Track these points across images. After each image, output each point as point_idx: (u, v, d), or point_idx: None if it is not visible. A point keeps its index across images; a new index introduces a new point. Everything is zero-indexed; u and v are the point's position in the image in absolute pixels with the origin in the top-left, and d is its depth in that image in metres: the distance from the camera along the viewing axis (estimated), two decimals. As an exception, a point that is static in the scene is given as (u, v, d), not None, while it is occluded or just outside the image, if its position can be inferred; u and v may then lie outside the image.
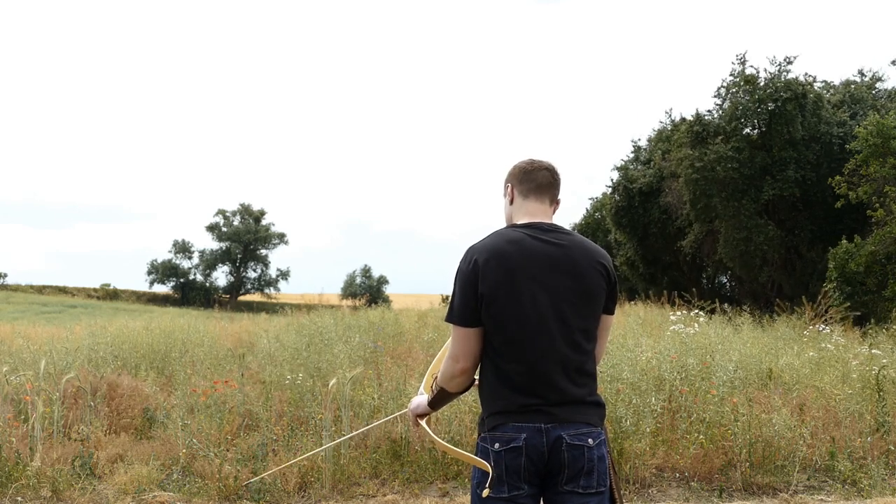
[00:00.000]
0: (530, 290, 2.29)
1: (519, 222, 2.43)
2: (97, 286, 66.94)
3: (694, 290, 13.83)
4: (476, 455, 2.36)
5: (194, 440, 5.53)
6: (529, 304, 2.29)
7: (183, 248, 71.59)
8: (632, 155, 29.20)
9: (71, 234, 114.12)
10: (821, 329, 9.88)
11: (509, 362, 2.30)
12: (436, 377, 2.53)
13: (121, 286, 67.98)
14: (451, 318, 2.37)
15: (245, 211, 73.68)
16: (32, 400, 5.79)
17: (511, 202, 2.50)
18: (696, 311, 10.30)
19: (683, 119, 22.99)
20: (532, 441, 2.26)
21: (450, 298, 2.41)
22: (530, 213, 2.44)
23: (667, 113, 31.71)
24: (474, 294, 2.31)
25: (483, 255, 2.31)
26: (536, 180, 2.47)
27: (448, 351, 2.42)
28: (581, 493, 2.28)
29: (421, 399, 2.68)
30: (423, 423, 2.69)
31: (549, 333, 2.29)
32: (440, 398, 2.57)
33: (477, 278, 2.30)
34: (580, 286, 2.33)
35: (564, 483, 2.28)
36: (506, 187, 2.55)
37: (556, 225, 2.42)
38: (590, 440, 2.29)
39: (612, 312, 2.44)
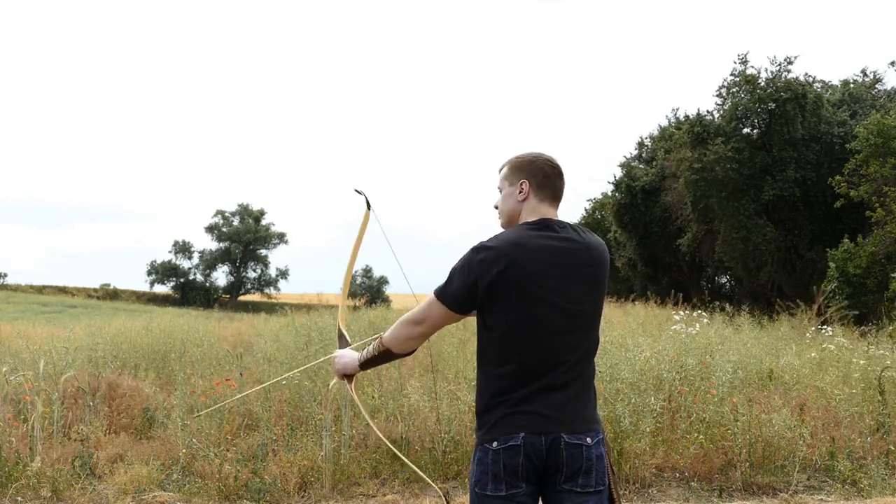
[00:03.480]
0: (536, 292, 2.28)
1: (530, 220, 2.40)
2: (97, 286, 66.97)
3: (694, 290, 13.83)
4: (474, 454, 2.36)
5: (194, 440, 5.53)
6: (533, 305, 2.28)
7: (183, 249, 71.59)
8: (636, 152, 29.24)
9: (71, 234, 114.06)
10: (821, 329, 9.87)
11: (509, 362, 2.30)
12: (380, 337, 2.49)
13: (121, 286, 68.04)
14: (441, 296, 2.36)
15: (244, 211, 73.68)
16: (32, 400, 5.78)
17: (524, 200, 2.42)
18: (699, 311, 10.30)
19: (687, 118, 23.02)
20: (530, 440, 2.26)
21: (448, 275, 2.38)
22: (541, 214, 2.41)
23: (673, 111, 31.80)
24: (475, 286, 2.30)
25: (495, 253, 2.29)
26: (555, 188, 2.44)
27: (411, 315, 2.41)
28: (579, 492, 2.28)
29: (351, 357, 2.61)
30: (351, 387, 2.64)
31: (551, 334, 2.29)
32: (378, 360, 2.53)
33: (484, 274, 2.28)
34: (586, 287, 2.33)
35: (563, 482, 2.28)
36: (517, 180, 2.44)
37: (563, 222, 2.39)
38: (588, 439, 2.29)
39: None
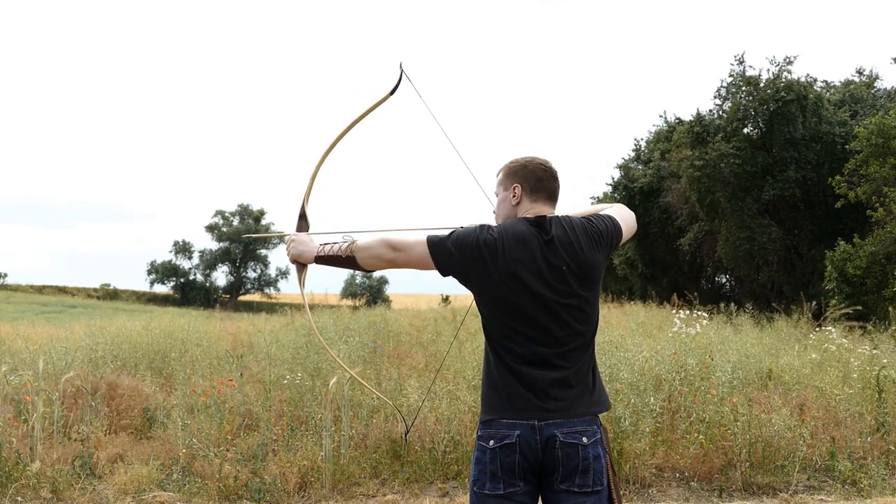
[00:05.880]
0: (525, 285, 2.31)
1: (528, 216, 2.42)
2: (97, 286, 67.02)
3: (694, 290, 13.84)
4: (474, 453, 2.37)
5: (194, 440, 5.53)
6: (521, 297, 2.31)
7: (183, 249, 71.54)
8: (633, 154, 29.24)
9: (71, 234, 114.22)
10: (821, 329, 9.86)
11: (506, 357, 2.33)
12: (352, 242, 2.46)
13: (121, 286, 68.12)
14: (432, 245, 2.36)
15: (244, 211, 73.63)
16: (32, 400, 5.78)
17: (517, 204, 2.46)
18: (698, 312, 10.28)
19: (680, 120, 23.06)
20: (525, 437, 2.27)
21: (449, 233, 2.39)
22: (536, 213, 2.43)
23: (661, 116, 31.75)
24: (464, 261, 2.33)
25: (495, 243, 2.32)
26: (548, 190, 2.46)
27: (395, 239, 2.41)
28: (577, 492, 2.29)
29: (308, 246, 2.55)
30: (301, 277, 2.60)
31: (538, 326, 2.31)
32: (339, 261, 2.49)
33: (478, 256, 2.32)
34: (574, 281, 2.34)
35: (560, 482, 2.29)
36: (510, 184, 2.47)
37: (557, 219, 2.41)
38: (584, 438, 2.30)
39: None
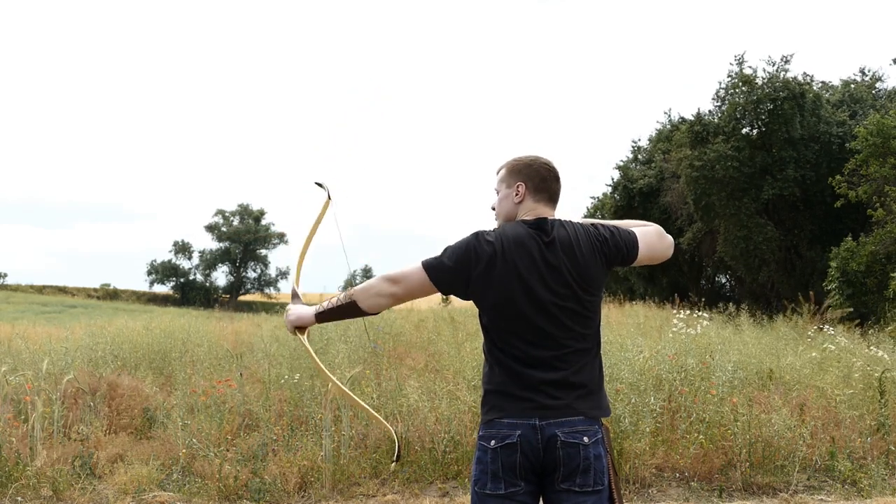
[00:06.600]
0: (525, 288, 2.31)
1: (527, 218, 2.42)
2: (97, 286, 67.09)
3: (694, 290, 13.84)
4: (475, 453, 2.37)
5: (194, 440, 5.53)
6: (521, 300, 2.31)
7: (183, 249, 71.61)
8: (631, 155, 29.25)
9: (71, 234, 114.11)
10: (822, 329, 9.87)
11: (506, 359, 2.33)
12: (349, 290, 2.47)
13: (121, 286, 68.22)
14: (428, 268, 2.36)
15: (244, 211, 73.70)
16: (32, 400, 5.78)
17: (520, 202, 2.45)
18: (698, 312, 10.28)
19: (683, 119, 23.09)
20: (526, 437, 2.27)
21: (442, 251, 2.39)
22: (538, 214, 2.43)
23: (665, 113, 31.79)
24: (465, 273, 2.33)
25: (493, 249, 2.33)
26: (551, 191, 2.46)
27: (391, 272, 2.41)
28: (577, 492, 2.29)
29: (304, 310, 2.58)
30: (304, 338, 2.62)
31: (538, 328, 2.31)
32: (340, 311, 2.48)
33: (477, 265, 2.32)
34: (575, 282, 2.34)
35: (561, 481, 2.29)
36: (514, 182, 2.46)
37: (557, 221, 2.41)
38: (585, 438, 2.30)
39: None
